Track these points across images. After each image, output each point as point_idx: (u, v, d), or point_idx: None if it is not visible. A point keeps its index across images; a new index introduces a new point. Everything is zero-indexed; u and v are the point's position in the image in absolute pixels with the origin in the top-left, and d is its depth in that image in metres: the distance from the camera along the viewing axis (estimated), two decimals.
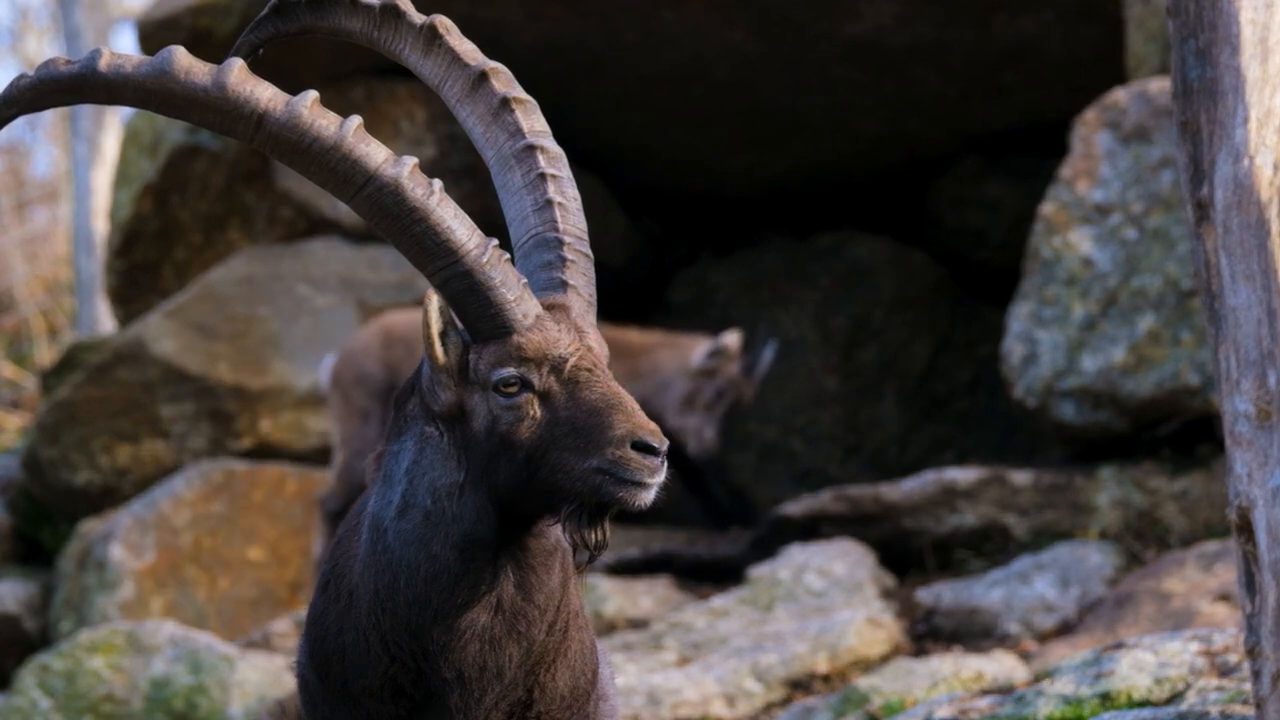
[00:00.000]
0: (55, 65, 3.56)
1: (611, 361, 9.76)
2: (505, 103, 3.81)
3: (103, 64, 3.54)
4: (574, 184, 3.77)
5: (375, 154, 3.55)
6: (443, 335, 3.61)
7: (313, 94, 3.60)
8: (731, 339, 9.23)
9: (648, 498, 3.54)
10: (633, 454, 3.49)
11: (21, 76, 3.59)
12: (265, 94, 3.58)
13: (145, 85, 3.54)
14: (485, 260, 3.56)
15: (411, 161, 3.57)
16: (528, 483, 3.55)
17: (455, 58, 3.86)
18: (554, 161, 3.76)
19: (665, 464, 3.51)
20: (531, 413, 3.55)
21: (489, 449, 3.57)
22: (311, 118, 3.56)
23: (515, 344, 3.56)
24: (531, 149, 3.76)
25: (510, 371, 3.56)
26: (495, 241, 3.60)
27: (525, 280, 3.60)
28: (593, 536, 3.58)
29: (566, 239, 3.70)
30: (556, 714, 3.73)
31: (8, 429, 15.87)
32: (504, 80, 3.83)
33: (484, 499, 3.58)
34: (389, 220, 3.56)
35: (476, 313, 3.57)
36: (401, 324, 8.96)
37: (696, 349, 9.24)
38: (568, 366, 3.55)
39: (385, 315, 9.08)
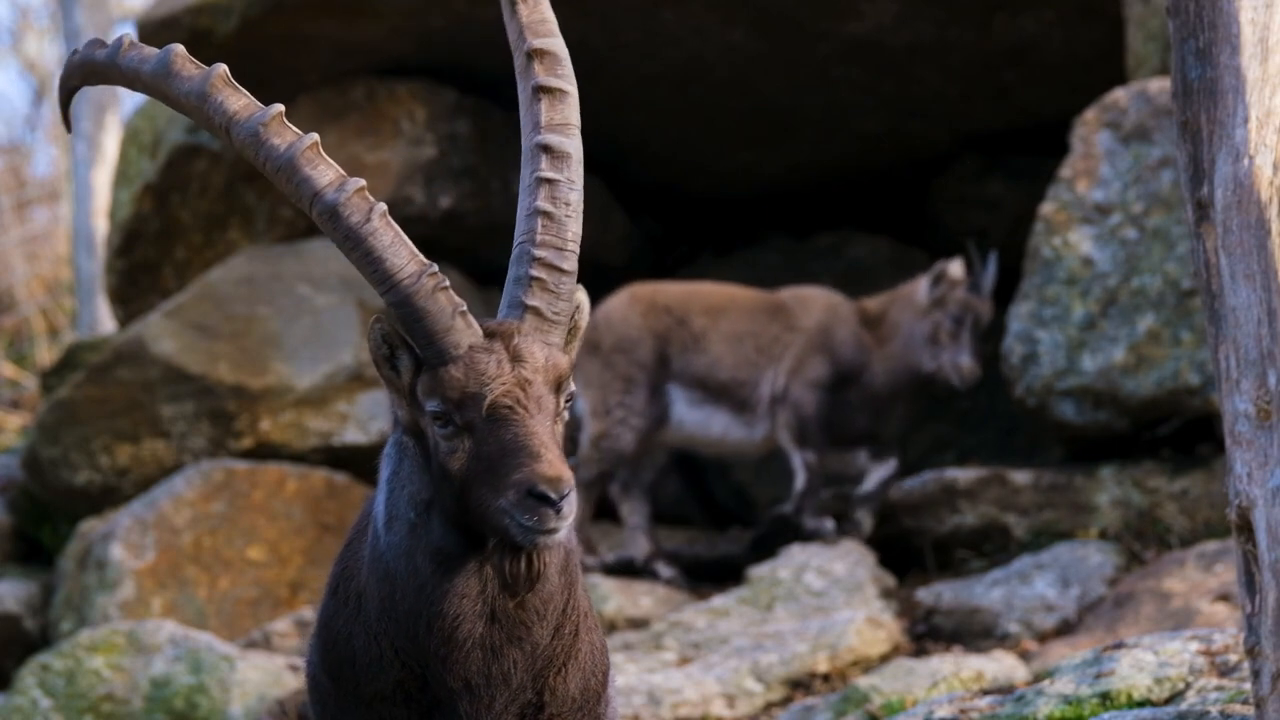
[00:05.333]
0: (93, 48, 3.73)
1: (865, 331, 9.53)
2: (536, 91, 3.73)
3: (121, 55, 3.68)
4: (577, 186, 3.70)
5: (320, 177, 3.57)
6: (389, 358, 3.62)
7: (276, 109, 3.62)
8: (952, 265, 9.02)
9: (546, 542, 3.52)
10: (529, 501, 3.46)
11: (75, 52, 3.75)
12: (235, 105, 3.63)
13: (149, 82, 3.67)
14: (416, 290, 3.55)
15: (355, 186, 3.57)
16: (466, 511, 3.56)
17: (522, 29, 3.78)
18: (557, 164, 3.69)
19: (565, 510, 3.47)
20: (462, 445, 3.55)
21: (437, 472, 3.59)
22: (266, 135, 3.59)
23: (440, 377, 3.56)
24: (540, 149, 3.69)
25: (436, 404, 3.56)
26: (433, 269, 3.57)
27: (463, 308, 3.57)
28: (508, 569, 3.57)
29: (539, 254, 3.62)
30: (568, 716, 3.72)
31: (8, 429, 15.86)
32: (546, 65, 3.74)
33: (444, 517, 3.59)
34: (336, 242, 3.60)
35: (416, 339, 3.59)
36: (662, 292, 9.17)
37: (918, 290, 9.07)
38: (485, 404, 3.52)
39: (633, 286, 9.27)
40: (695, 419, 9.01)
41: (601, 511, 9.44)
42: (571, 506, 3.49)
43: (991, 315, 8.97)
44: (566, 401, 3.63)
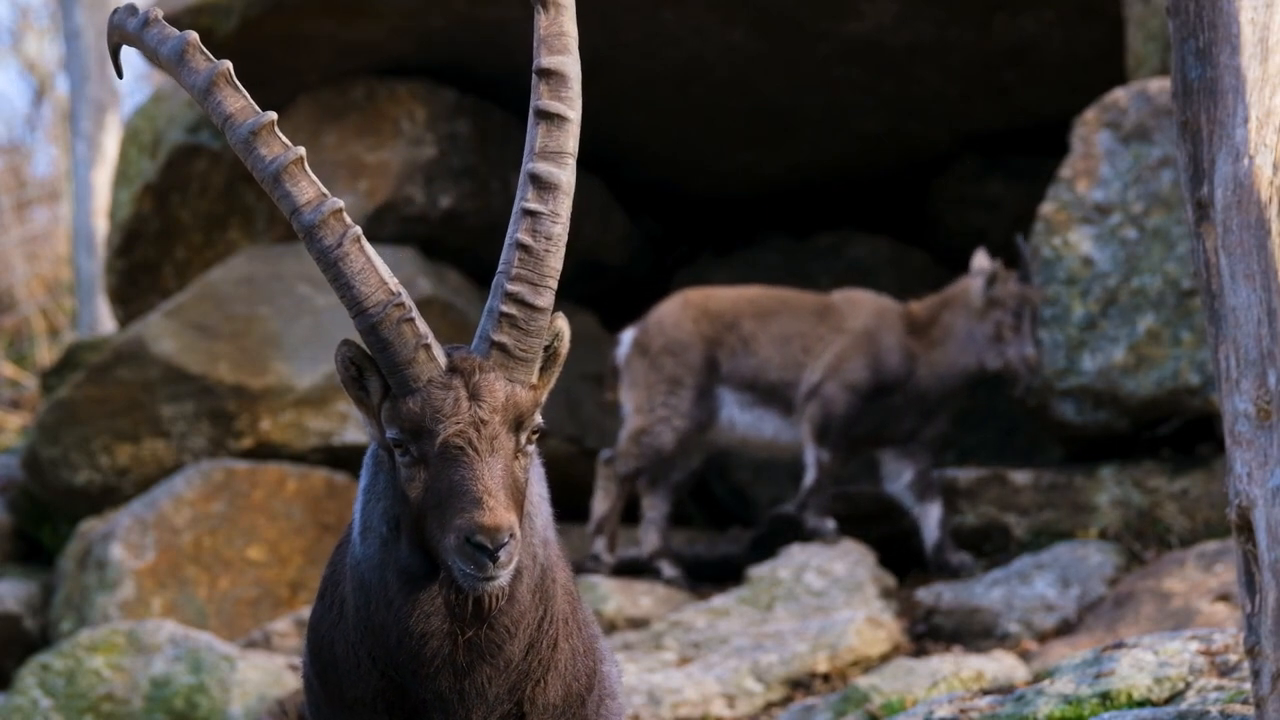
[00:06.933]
0: (125, 15, 3.79)
1: (911, 337, 9.42)
2: (536, 114, 3.67)
3: (146, 30, 3.75)
4: (561, 219, 3.63)
5: (300, 195, 3.59)
6: (357, 379, 3.62)
7: (267, 118, 3.63)
8: (987, 260, 8.91)
9: (486, 588, 3.52)
10: (467, 548, 3.46)
11: (115, 11, 3.81)
12: (232, 107, 3.66)
13: (164, 63, 3.72)
14: (381, 320, 3.55)
15: (331, 208, 3.58)
16: (423, 538, 3.55)
17: (539, 41, 3.72)
18: (543, 195, 3.63)
19: (503, 559, 3.46)
20: (419, 475, 3.54)
21: (399, 495, 3.59)
22: (255, 144, 3.62)
23: (399, 408, 3.56)
24: (529, 177, 3.64)
25: (395, 433, 3.56)
26: (400, 299, 3.56)
27: (427, 340, 3.56)
28: (456, 604, 3.56)
29: (512, 289, 3.58)
30: None
31: (8, 429, 15.87)
32: (551, 87, 3.69)
33: (409, 537, 3.58)
34: (313, 259, 3.61)
35: (381, 366, 3.58)
36: (715, 298, 9.20)
37: (970, 290, 8.95)
38: (437, 441, 3.52)
39: (686, 291, 9.32)
40: (747, 421, 9.02)
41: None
42: (510, 554, 3.46)
43: (1043, 300, 8.86)
44: (531, 437, 3.60)
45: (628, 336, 9.13)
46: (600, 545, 8.90)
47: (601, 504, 8.96)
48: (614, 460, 8.97)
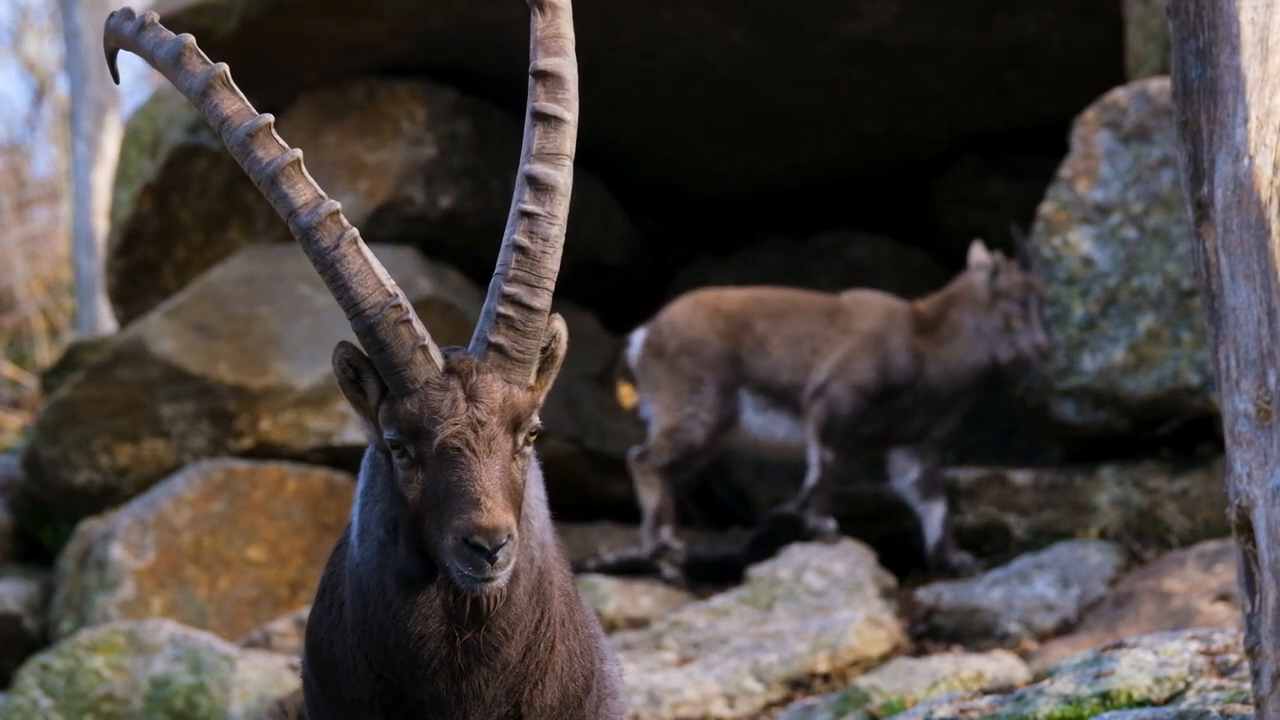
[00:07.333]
0: (122, 19, 3.80)
1: (919, 336, 9.46)
2: (533, 116, 3.68)
3: (142, 33, 3.75)
4: (558, 221, 3.64)
5: (296, 197, 3.62)
6: (354, 381, 3.62)
7: (264, 120, 3.64)
8: (985, 253, 8.91)
9: (485, 589, 3.53)
10: (465, 549, 3.46)
11: (112, 15, 3.82)
12: (229, 109, 3.66)
13: (160, 66, 3.73)
14: (378, 322, 3.56)
15: (328, 210, 3.60)
16: (422, 540, 3.56)
17: (535, 44, 3.72)
18: (540, 197, 3.64)
19: (501, 560, 3.46)
20: (416, 477, 3.55)
21: (397, 497, 3.59)
22: (253, 146, 3.63)
23: (397, 409, 3.56)
24: (526, 179, 3.65)
25: (393, 435, 3.56)
26: (397, 300, 3.57)
27: (424, 342, 3.56)
28: (454, 605, 3.56)
29: (510, 290, 3.60)
30: None
31: (8, 429, 15.87)
32: (548, 89, 3.70)
33: (406, 539, 3.58)
34: (310, 261, 3.62)
35: (379, 368, 3.59)
36: (726, 298, 9.22)
37: (974, 285, 8.93)
38: (435, 443, 3.52)
39: (697, 293, 9.34)
40: (759, 424, 9.02)
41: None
42: (508, 555, 3.47)
43: (1045, 287, 8.85)
44: (529, 437, 3.60)
45: (638, 338, 9.13)
46: (666, 534, 8.89)
47: (649, 497, 8.96)
48: (646, 456, 8.97)
